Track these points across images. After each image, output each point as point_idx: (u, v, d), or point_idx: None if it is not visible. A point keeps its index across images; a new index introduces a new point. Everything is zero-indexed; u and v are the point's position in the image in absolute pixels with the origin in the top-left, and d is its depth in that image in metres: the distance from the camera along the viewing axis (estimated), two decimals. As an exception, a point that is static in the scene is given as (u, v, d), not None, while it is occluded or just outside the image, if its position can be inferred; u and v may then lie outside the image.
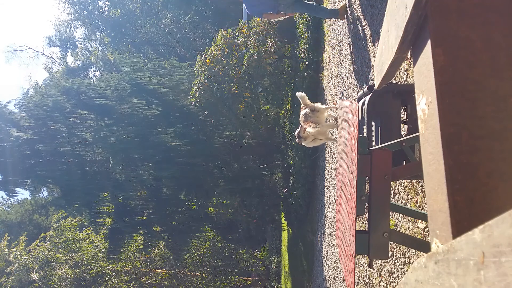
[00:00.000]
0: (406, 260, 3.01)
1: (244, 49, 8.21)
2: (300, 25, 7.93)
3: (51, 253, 12.81)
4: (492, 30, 0.65)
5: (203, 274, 13.18)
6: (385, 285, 3.42)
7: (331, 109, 3.66)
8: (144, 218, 10.77)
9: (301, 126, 3.08)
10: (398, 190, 3.26)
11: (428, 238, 2.61)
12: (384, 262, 3.48)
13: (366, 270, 4.03)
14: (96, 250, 12.46)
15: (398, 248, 3.15)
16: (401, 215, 3.15)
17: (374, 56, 4.10)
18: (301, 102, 3.27)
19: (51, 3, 71.61)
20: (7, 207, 27.75)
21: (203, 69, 8.43)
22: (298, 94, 3.32)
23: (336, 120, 3.00)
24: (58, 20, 31.54)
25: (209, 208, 11.63)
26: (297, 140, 3.12)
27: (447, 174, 0.62)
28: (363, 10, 4.59)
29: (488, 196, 0.61)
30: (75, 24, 29.11)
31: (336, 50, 5.92)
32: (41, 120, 10.18)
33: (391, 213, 2.29)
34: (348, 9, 5.15)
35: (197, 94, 8.63)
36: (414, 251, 2.87)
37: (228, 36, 8.39)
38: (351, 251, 1.49)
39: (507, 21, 0.64)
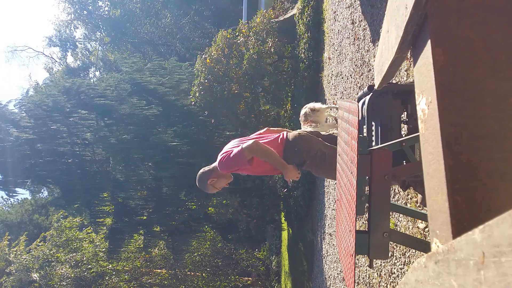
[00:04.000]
0: (406, 260, 3.01)
1: (244, 49, 8.20)
2: (300, 25, 7.93)
3: (51, 252, 12.82)
4: (492, 30, 0.65)
5: (203, 274, 13.17)
6: (385, 285, 3.42)
7: (331, 109, 3.67)
8: (144, 218, 10.76)
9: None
10: (398, 190, 3.26)
11: (428, 238, 2.61)
12: (384, 262, 3.48)
13: (366, 270, 4.03)
14: (96, 249, 12.46)
15: (398, 248, 3.15)
16: (401, 215, 3.15)
17: (374, 56, 4.10)
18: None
19: (51, 3, 71.49)
20: (7, 207, 27.73)
21: (203, 69, 8.43)
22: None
23: (336, 120, 3.00)
24: (58, 20, 31.56)
25: (209, 208, 11.62)
26: None
27: (447, 174, 0.62)
28: (363, 10, 4.59)
29: (488, 196, 0.61)
30: (75, 24, 29.12)
31: (336, 50, 5.92)
32: (41, 120, 10.18)
33: (391, 213, 2.29)
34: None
35: (197, 94, 8.63)
36: (414, 251, 2.87)
37: (228, 36, 8.39)
38: (351, 251, 1.49)
39: (507, 21, 0.64)
